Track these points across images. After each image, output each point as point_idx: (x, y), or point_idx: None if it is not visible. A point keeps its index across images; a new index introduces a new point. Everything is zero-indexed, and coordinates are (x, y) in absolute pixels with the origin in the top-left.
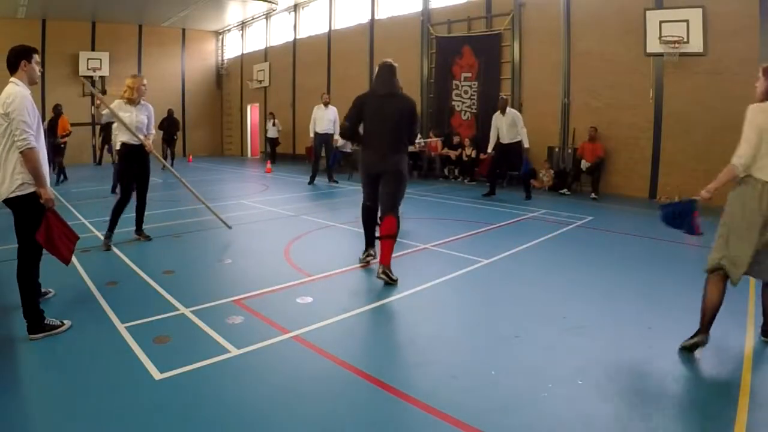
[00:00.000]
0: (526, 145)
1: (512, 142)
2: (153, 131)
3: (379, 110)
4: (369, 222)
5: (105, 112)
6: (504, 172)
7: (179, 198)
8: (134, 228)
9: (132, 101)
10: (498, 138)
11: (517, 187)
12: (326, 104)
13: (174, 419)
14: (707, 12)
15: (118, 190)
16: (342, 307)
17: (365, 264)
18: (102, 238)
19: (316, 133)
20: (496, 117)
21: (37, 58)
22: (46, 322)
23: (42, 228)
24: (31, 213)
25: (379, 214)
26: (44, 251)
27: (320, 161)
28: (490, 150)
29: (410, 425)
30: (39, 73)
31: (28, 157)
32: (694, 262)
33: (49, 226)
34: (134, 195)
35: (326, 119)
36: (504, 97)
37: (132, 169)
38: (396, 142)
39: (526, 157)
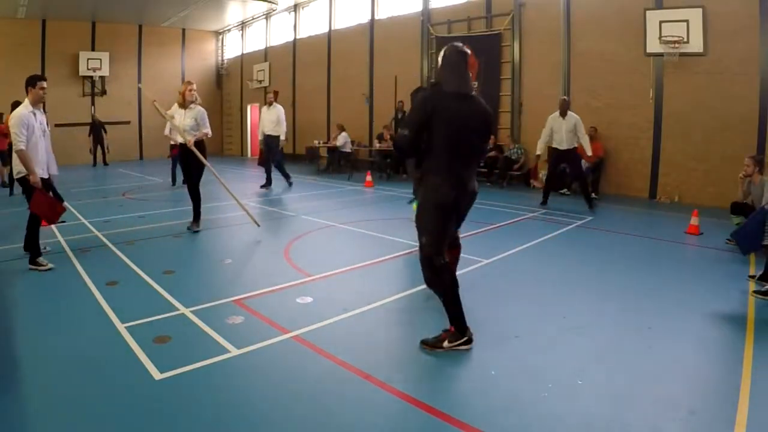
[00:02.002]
0: (589, 153)
1: (571, 148)
2: (207, 130)
3: (457, 117)
4: (455, 290)
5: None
6: (563, 180)
7: (180, 198)
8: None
9: (182, 105)
10: (552, 143)
11: (517, 188)
12: (270, 104)
13: (174, 419)
14: (707, 12)
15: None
16: (342, 307)
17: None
18: (102, 238)
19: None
20: (554, 119)
21: (41, 84)
22: (38, 260)
23: (33, 200)
24: (27, 188)
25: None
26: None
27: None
28: (538, 152)
29: (410, 425)
30: (43, 94)
31: (19, 155)
32: (694, 261)
33: (38, 199)
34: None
35: (268, 120)
36: (565, 98)
37: (180, 163)
38: (477, 163)
39: (587, 165)
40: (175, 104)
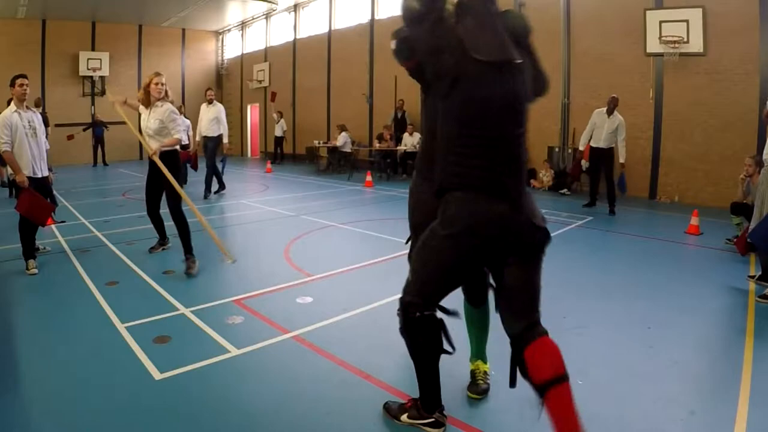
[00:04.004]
0: (621, 159)
1: (608, 147)
2: (179, 135)
3: (497, 100)
4: (431, 360)
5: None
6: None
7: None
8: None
9: (145, 103)
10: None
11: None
12: (210, 101)
13: (174, 419)
14: (707, 12)
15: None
16: (342, 307)
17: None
18: (102, 238)
19: (202, 137)
20: (599, 115)
21: (20, 81)
22: (28, 261)
23: (19, 200)
24: (17, 189)
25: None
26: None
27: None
28: (581, 148)
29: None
30: (23, 91)
31: (4, 156)
32: (694, 261)
33: (24, 199)
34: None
35: (206, 119)
36: (615, 96)
37: (150, 179)
38: (524, 163)
39: (623, 173)
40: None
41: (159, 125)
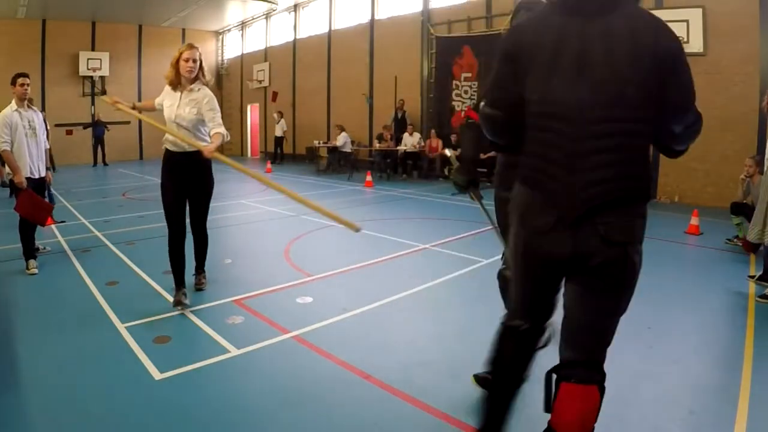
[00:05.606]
0: None
1: None
2: (220, 129)
3: (568, 57)
4: (508, 388)
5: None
6: None
7: None
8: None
9: (173, 84)
10: None
11: None
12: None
13: (174, 419)
14: (707, 12)
15: None
16: (342, 307)
17: None
18: (102, 238)
19: None
20: None
21: (21, 81)
22: (29, 261)
23: (18, 200)
24: (15, 190)
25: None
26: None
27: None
28: None
29: (411, 425)
30: (24, 91)
31: (3, 155)
32: (694, 261)
33: (23, 200)
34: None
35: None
36: None
37: (174, 186)
38: (622, 161)
39: None
40: (167, 87)
41: (196, 115)
